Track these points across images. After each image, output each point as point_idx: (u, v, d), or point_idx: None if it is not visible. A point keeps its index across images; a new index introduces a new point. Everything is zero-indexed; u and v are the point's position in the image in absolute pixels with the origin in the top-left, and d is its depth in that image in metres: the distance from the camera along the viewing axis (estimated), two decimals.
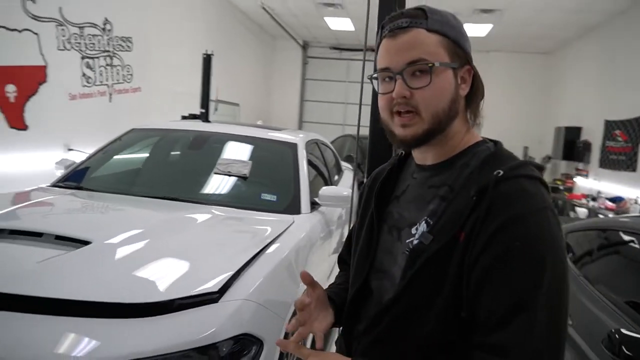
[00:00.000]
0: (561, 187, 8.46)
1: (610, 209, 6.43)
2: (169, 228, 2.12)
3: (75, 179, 2.87)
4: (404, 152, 1.06)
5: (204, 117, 4.35)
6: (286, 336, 1.58)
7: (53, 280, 1.56)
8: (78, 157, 3.28)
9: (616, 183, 6.95)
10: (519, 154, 9.33)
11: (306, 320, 1.00)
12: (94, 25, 4.94)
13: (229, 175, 2.80)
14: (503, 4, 7.30)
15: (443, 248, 0.82)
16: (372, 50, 1.02)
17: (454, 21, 0.91)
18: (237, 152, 3.09)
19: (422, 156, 0.97)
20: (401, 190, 1.01)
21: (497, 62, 10.55)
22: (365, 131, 2.65)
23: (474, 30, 8.74)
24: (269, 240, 2.08)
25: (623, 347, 1.54)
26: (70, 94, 4.66)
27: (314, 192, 2.89)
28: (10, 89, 3.92)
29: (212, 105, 5.70)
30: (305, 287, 1.03)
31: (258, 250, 1.94)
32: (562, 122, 8.76)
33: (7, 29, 3.82)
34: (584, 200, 7.33)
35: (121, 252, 1.79)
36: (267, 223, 2.36)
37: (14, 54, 3.93)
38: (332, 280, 1.23)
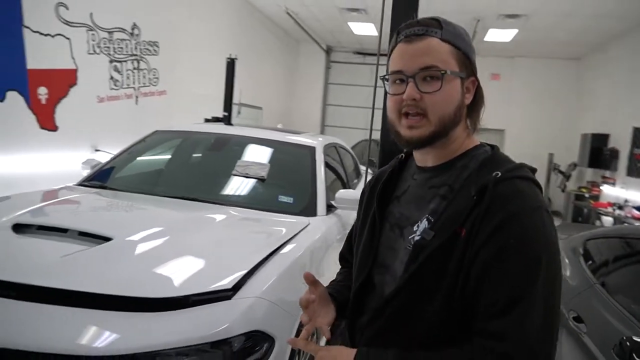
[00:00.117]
0: (587, 195, 8.27)
1: (637, 218, 6.27)
2: (187, 227, 2.18)
3: (100, 178, 2.97)
4: (404, 155, 1.11)
5: (227, 120, 4.42)
6: (298, 333, 1.62)
7: (75, 273, 1.64)
8: (104, 157, 3.39)
9: None
10: (543, 161, 9.02)
11: (311, 316, 1.05)
12: (123, 30, 5.08)
13: (247, 177, 2.86)
14: (529, 10, 7.20)
15: (444, 243, 0.88)
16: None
17: (465, 35, 0.98)
18: (256, 155, 3.14)
19: (423, 158, 1.02)
20: (402, 190, 1.06)
21: (522, 67, 10.40)
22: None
23: (499, 35, 8.62)
24: (283, 241, 2.13)
25: (634, 355, 1.52)
26: (98, 97, 4.80)
27: (331, 195, 2.92)
28: (42, 92, 4.07)
29: (235, 109, 5.78)
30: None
31: (272, 250, 1.99)
32: (589, 129, 8.57)
33: (41, 34, 3.98)
34: (610, 209, 7.15)
35: (141, 249, 1.86)
36: (282, 224, 2.41)
37: (46, 57, 4.08)
38: None
